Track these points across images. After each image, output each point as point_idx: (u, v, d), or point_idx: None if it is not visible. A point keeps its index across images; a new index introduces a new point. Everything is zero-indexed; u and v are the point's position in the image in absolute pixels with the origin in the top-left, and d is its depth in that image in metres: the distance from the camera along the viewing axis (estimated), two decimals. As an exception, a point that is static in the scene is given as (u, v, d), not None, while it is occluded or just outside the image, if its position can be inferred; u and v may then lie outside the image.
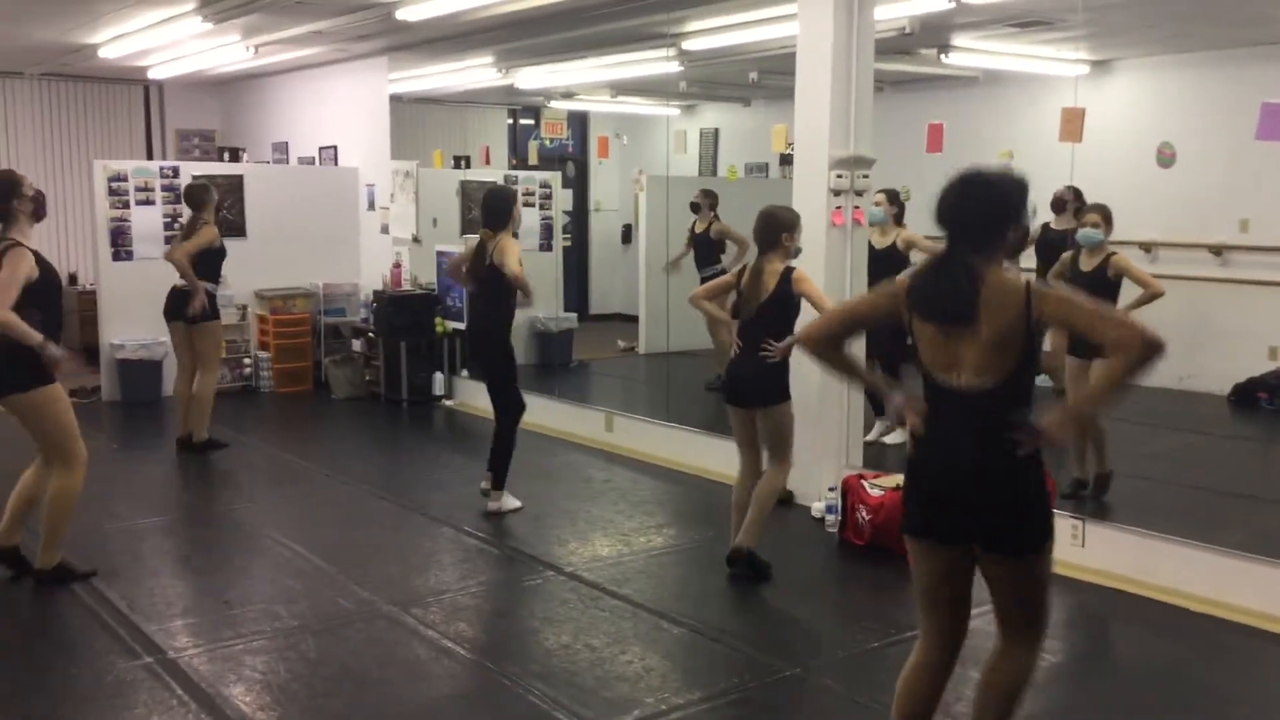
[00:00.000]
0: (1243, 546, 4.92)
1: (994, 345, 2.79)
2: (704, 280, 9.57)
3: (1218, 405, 8.54)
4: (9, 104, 11.73)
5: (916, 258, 7.53)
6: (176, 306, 7.55)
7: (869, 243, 7.80)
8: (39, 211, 4.97)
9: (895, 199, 7.40)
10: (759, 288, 4.98)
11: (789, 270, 4.97)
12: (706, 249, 9.54)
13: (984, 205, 2.88)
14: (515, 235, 6.16)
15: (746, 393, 5.08)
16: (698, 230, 9.61)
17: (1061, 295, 2.89)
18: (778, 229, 4.99)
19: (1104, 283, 5.88)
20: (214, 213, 7.65)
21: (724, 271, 9.47)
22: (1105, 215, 6.06)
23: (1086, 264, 6.00)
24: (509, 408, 6.18)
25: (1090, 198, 7.48)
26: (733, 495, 5.25)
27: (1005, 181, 2.91)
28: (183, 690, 3.94)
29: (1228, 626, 4.61)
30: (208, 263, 7.52)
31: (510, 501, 6.18)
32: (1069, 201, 7.77)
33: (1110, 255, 5.96)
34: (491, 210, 6.09)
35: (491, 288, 6.03)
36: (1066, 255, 6.26)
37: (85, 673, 4.09)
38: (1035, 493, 2.86)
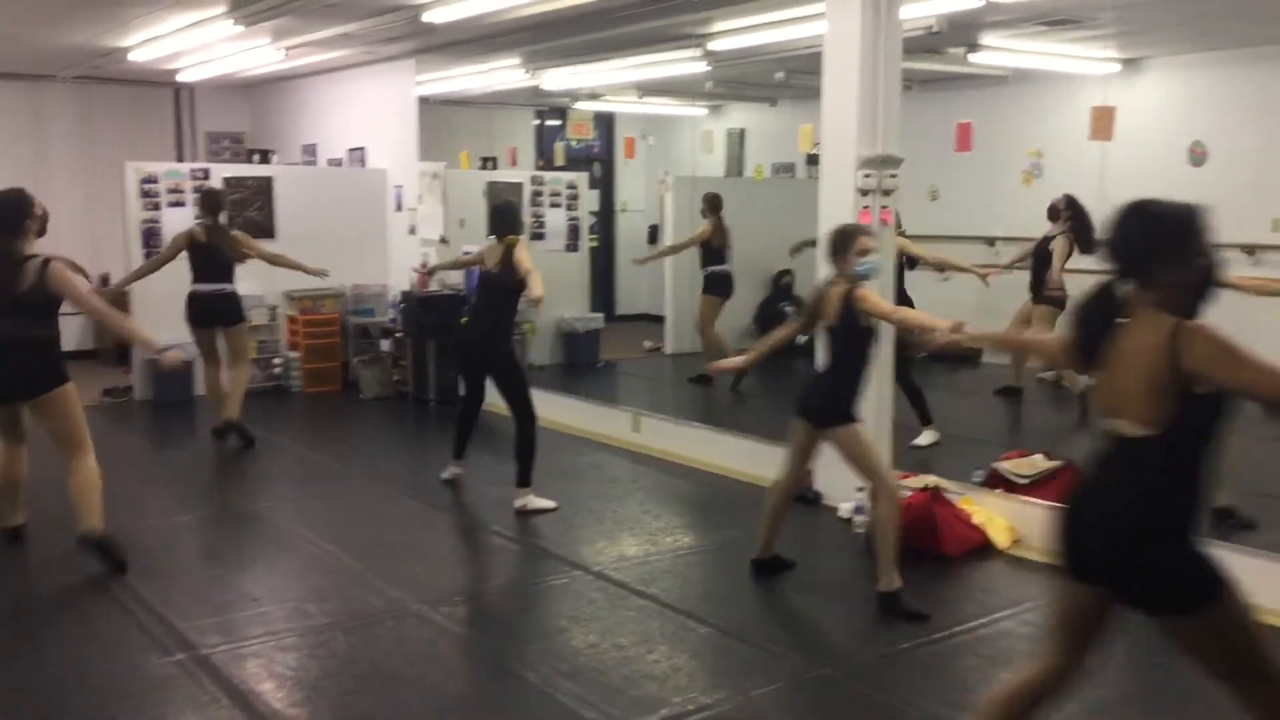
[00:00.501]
0: (1277, 548, 4.88)
1: (1146, 391, 2.57)
2: (705, 278, 9.69)
3: (1252, 406, 8.46)
4: (42, 107, 11.85)
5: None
6: (204, 312, 7.71)
7: None
8: (43, 229, 5.31)
9: None
10: (821, 309, 4.80)
11: (851, 292, 4.68)
12: (710, 250, 9.74)
13: (1136, 236, 2.70)
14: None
15: (814, 410, 4.85)
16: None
17: (1214, 338, 2.55)
18: (831, 249, 4.77)
19: None
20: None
21: (726, 274, 9.61)
22: None
23: None
24: (527, 414, 6.28)
25: (1121, 197, 7.43)
26: (766, 499, 5.18)
27: (1168, 215, 2.71)
28: (215, 686, 3.98)
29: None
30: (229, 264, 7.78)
31: (538, 501, 6.20)
32: (1062, 210, 8.06)
33: None
34: (504, 218, 6.56)
35: (503, 297, 6.34)
36: None
37: (121, 669, 4.14)
38: (1175, 552, 2.65)
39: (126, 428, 8.66)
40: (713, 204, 9.73)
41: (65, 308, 5.24)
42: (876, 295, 4.77)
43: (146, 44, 9.43)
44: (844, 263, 4.70)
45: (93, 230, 12.02)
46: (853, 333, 4.72)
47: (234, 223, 9.46)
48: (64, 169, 11.90)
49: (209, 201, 7.87)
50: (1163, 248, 2.67)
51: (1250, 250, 8.83)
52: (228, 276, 7.73)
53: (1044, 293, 8.08)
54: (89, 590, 4.98)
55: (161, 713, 3.81)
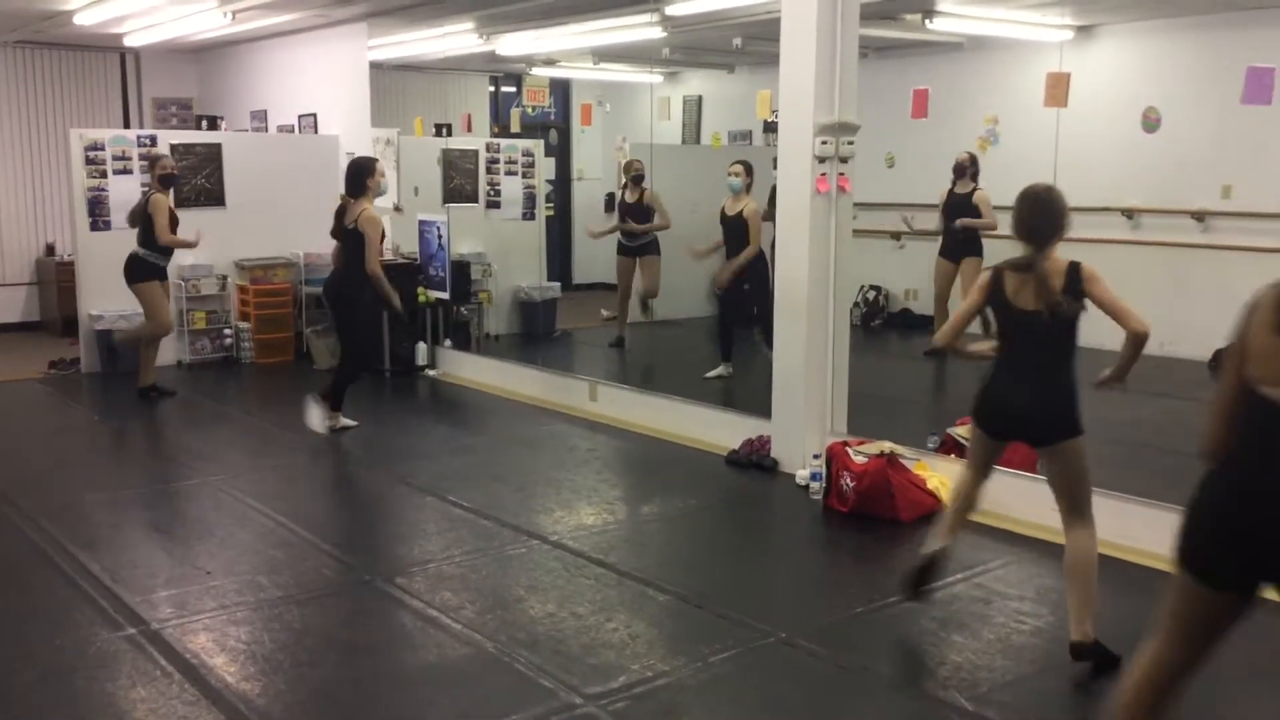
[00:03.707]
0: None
1: None
2: (632, 248, 9.58)
3: (1198, 371, 8.57)
4: (-18, 72, 11.56)
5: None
6: (125, 271, 8.09)
7: (722, 209, 8.22)
8: None
9: (750, 170, 8.33)
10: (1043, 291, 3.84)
11: (1076, 266, 3.84)
12: (640, 218, 9.62)
13: None
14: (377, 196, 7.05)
15: (1027, 424, 3.99)
16: (629, 200, 9.62)
17: None
18: (1058, 214, 3.86)
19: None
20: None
21: (653, 241, 9.55)
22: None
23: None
24: (353, 354, 7.14)
25: (1075, 163, 7.50)
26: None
27: None
28: (166, 661, 3.92)
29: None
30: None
31: (345, 420, 7.15)
32: (968, 166, 8.96)
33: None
34: (350, 178, 6.93)
35: (350, 248, 6.91)
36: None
37: (69, 644, 4.07)
38: None
39: (73, 400, 8.51)
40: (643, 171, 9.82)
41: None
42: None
43: (91, 7, 9.20)
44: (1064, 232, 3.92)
45: (38, 199, 11.79)
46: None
47: (182, 190, 9.33)
48: (6, 136, 11.63)
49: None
50: None
51: (1200, 217, 8.93)
52: (139, 239, 8.02)
53: (969, 247, 8.95)
54: (31, 564, 4.89)
55: (111, 688, 3.74)
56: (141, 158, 9.14)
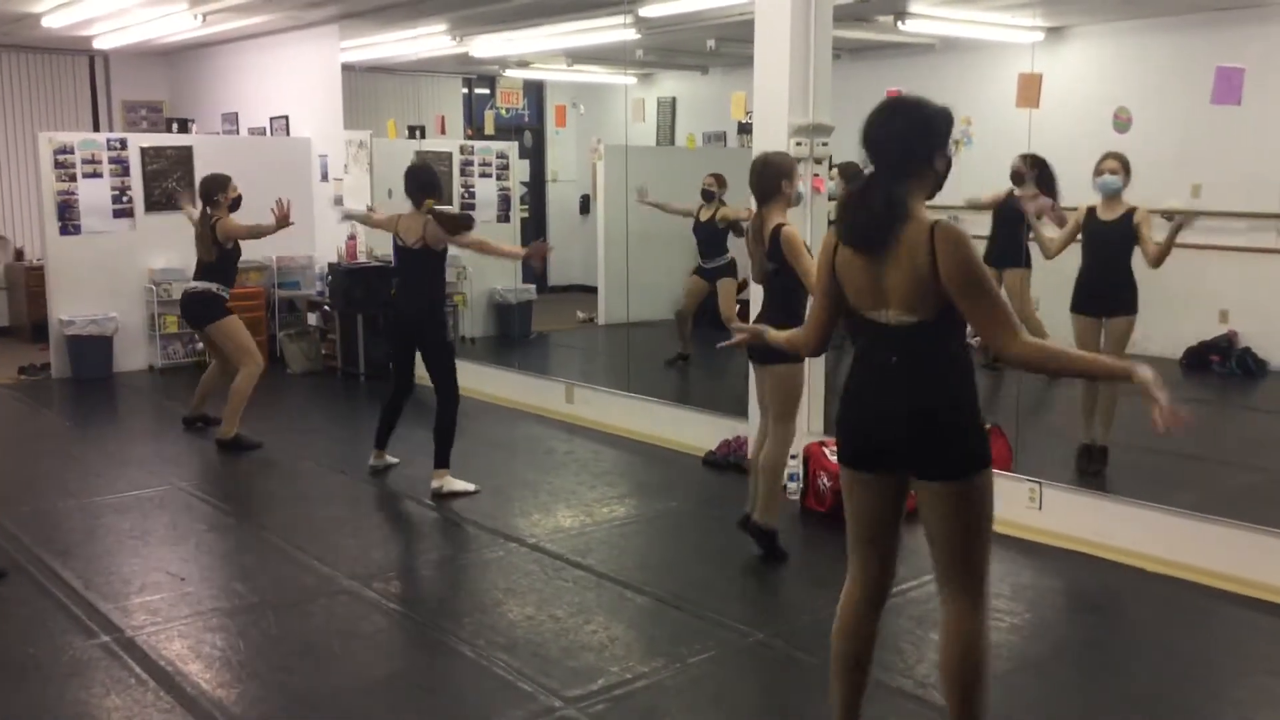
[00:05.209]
0: (1196, 508, 5.00)
1: (915, 281, 2.70)
2: (707, 270, 9.04)
3: (1169, 369, 8.65)
4: (-51, 75, 11.44)
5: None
6: (189, 312, 7.23)
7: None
8: None
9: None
10: (761, 243, 4.74)
11: (779, 227, 4.66)
12: (713, 241, 9.04)
13: (910, 129, 2.81)
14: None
15: (758, 350, 4.75)
16: (701, 219, 9.12)
17: (966, 256, 2.66)
18: (775, 176, 4.71)
19: (1126, 235, 5.87)
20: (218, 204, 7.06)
21: (732, 262, 8.86)
22: (1123, 163, 5.99)
23: (1106, 213, 5.96)
24: (451, 395, 5.96)
25: (1048, 162, 7.53)
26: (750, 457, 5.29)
27: (931, 107, 2.85)
28: (141, 669, 3.89)
29: (1183, 586, 4.68)
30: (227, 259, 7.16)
31: (455, 483, 5.96)
32: (1026, 172, 7.57)
33: (1134, 208, 5.90)
34: (420, 185, 5.89)
35: (428, 269, 5.87)
36: (1083, 207, 6.17)
37: (42, 652, 4.02)
38: (966, 422, 2.84)
39: (44, 405, 8.42)
40: (723, 185, 9.07)
41: None
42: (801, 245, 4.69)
43: (60, 9, 9.11)
44: (789, 189, 4.74)
45: (6, 203, 11.67)
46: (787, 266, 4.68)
47: (153, 194, 9.25)
48: (-27, 139, 11.51)
49: (200, 188, 7.17)
50: (932, 139, 2.82)
51: (1170, 216, 8.98)
52: (204, 272, 7.05)
53: (1021, 256, 7.60)
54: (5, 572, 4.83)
55: (84, 696, 3.70)
56: (115, 161, 9.02)
